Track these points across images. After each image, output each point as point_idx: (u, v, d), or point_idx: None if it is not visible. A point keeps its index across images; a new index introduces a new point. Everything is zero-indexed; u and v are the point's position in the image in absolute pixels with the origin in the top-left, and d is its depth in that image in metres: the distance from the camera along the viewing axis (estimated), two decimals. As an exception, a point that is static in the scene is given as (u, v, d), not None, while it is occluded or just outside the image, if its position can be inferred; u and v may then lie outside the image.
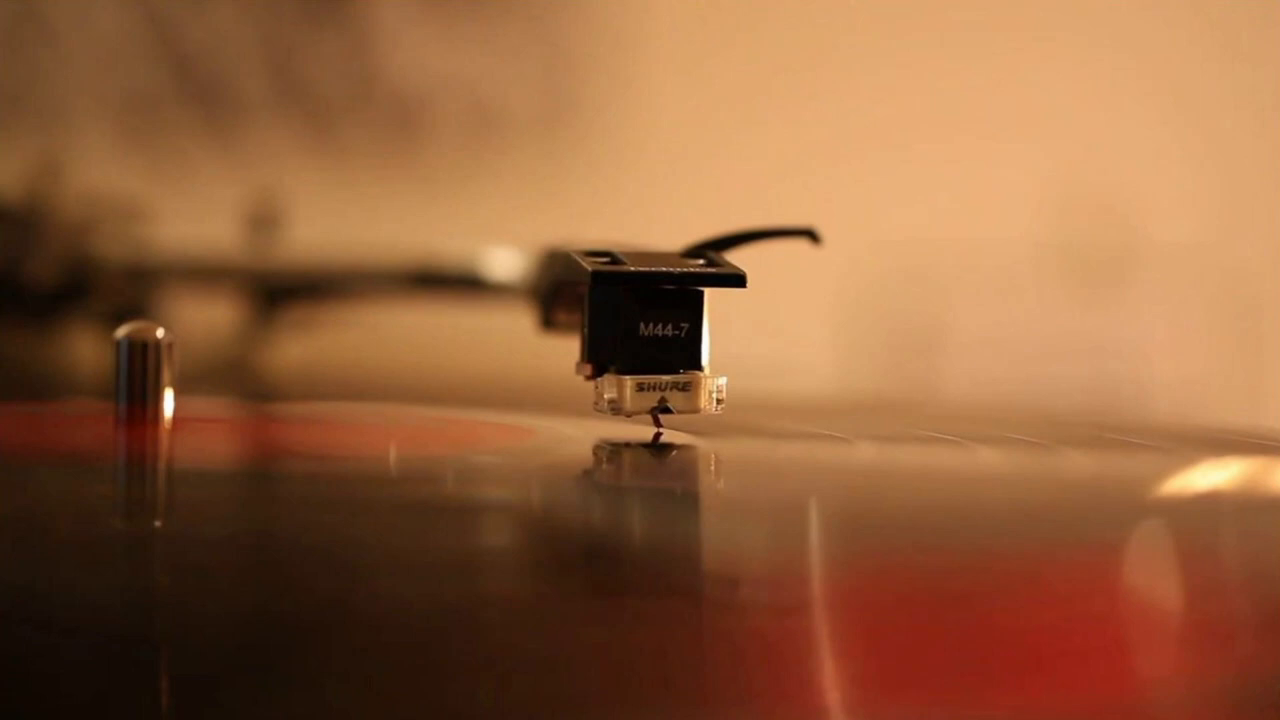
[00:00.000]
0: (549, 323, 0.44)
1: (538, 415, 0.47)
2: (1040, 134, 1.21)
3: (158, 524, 0.32)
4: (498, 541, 0.31)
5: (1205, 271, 1.19)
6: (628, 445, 0.39)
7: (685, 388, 0.38)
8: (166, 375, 0.38)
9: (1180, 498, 0.37)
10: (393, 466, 0.39)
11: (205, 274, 0.64)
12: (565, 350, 0.40)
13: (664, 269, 0.38)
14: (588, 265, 0.38)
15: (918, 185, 1.20)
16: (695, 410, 0.38)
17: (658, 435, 0.39)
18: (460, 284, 0.60)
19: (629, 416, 0.38)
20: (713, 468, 0.39)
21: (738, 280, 0.38)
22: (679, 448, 0.39)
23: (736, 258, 0.39)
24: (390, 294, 0.62)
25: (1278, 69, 1.23)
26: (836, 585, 0.28)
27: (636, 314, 0.38)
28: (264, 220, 0.64)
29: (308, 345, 0.64)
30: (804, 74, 1.21)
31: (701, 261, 0.39)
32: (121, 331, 0.38)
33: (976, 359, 1.17)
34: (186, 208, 0.78)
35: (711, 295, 0.38)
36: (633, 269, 0.38)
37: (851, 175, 1.18)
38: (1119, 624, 0.26)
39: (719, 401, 0.38)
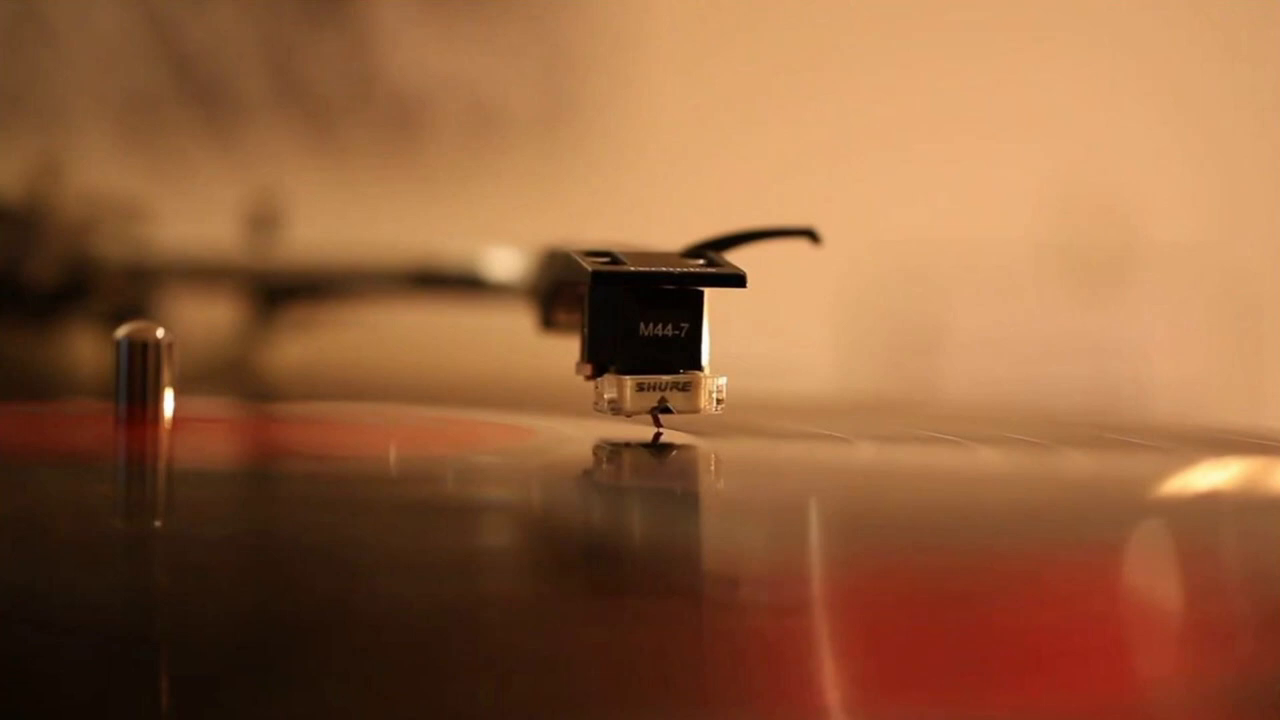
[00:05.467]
0: (549, 323, 0.44)
1: (538, 415, 0.47)
2: (1040, 134, 1.21)
3: (158, 524, 0.32)
4: (498, 541, 0.31)
5: (1205, 271, 1.19)
6: (628, 445, 0.39)
7: (685, 388, 0.38)
8: (166, 375, 0.38)
9: (1180, 498, 0.37)
10: (393, 466, 0.39)
11: (205, 274, 0.64)
12: (565, 350, 0.40)
13: (664, 269, 0.38)
14: (588, 265, 0.38)
15: (918, 185, 1.20)
16: (695, 410, 0.38)
17: (658, 435, 0.39)
18: (460, 284, 0.60)
19: (629, 416, 0.38)
20: (713, 468, 0.39)
21: (738, 280, 0.38)
22: (679, 448, 0.39)
23: (736, 258, 0.39)
24: (390, 294, 0.62)
25: (1278, 69, 1.23)
26: (836, 585, 0.28)
27: (636, 314, 0.38)
28: (264, 220, 0.64)
29: (308, 345, 0.64)
30: (804, 74, 1.21)
31: (701, 261, 0.39)
32: (121, 331, 0.38)
33: (976, 359, 1.17)
34: (186, 208, 0.78)
35: (711, 295, 0.38)
36: (633, 269, 0.38)
37: (851, 175, 1.18)
38: (1119, 624, 0.26)
39: (719, 401, 0.38)
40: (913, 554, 0.29)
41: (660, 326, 0.38)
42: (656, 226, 0.53)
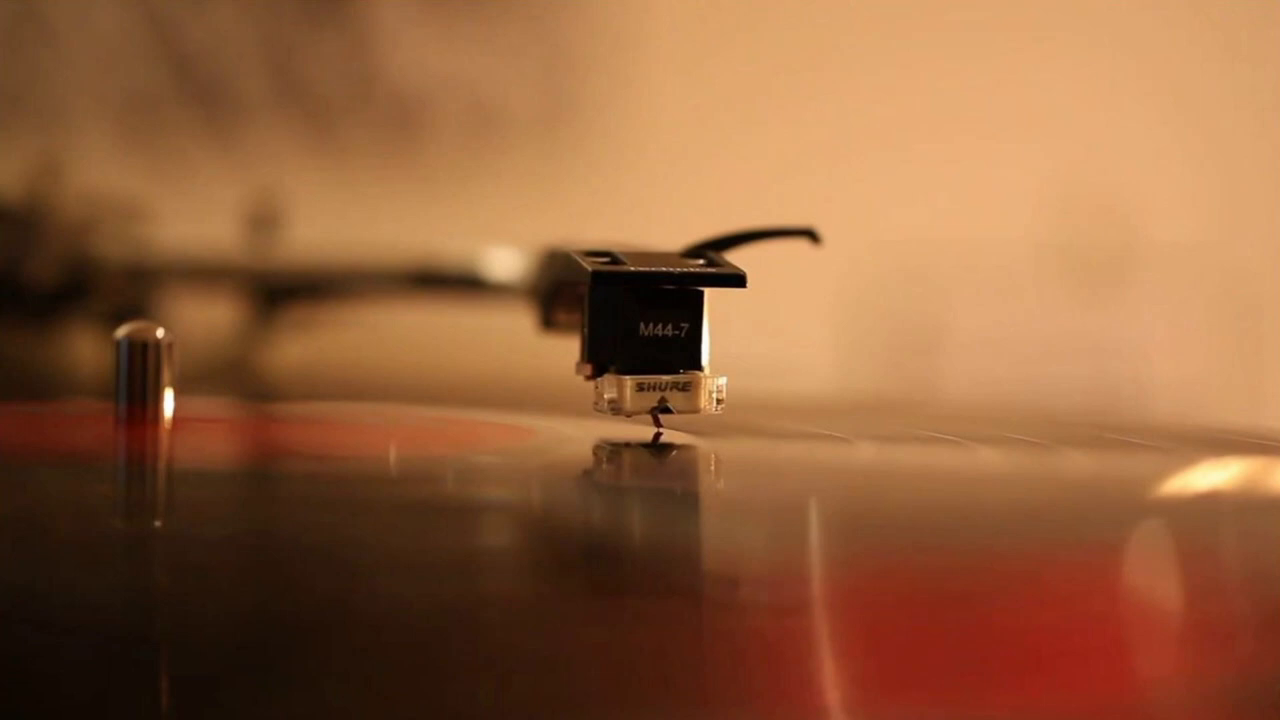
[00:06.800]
0: (549, 323, 0.44)
1: (538, 415, 0.47)
2: (1040, 134, 1.21)
3: (158, 524, 0.32)
4: (498, 541, 0.31)
5: (1205, 271, 1.19)
6: (628, 445, 0.39)
7: (685, 388, 0.38)
8: (166, 375, 0.38)
9: (1180, 498, 0.37)
10: (393, 466, 0.39)
11: (205, 274, 0.64)
12: (565, 350, 0.40)
13: (664, 269, 0.38)
14: (588, 265, 0.38)
15: (918, 185, 1.20)
16: (695, 410, 0.38)
17: (658, 435, 0.39)
18: (460, 284, 0.60)
19: (629, 416, 0.38)
20: (713, 468, 0.39)
21: (738, 280, 0.38)
22: (679, 448, 0.39)
23: (736, 258, 0.39)
24: (390, 294, 0.62)
25: (1278, 69, 1.23)
26: (836, 585, 0.28)
27: (636, 314, 0.38)
28: (264, 220, 0.64)
29: (308, 345, 0.64)
30: (804, 74, 1.21)
31: (701, 261, 0.39)
32: (121, 331, 0.38)
33: (976, 359, 1.17)
34: (186, 208, 0.78)
35: (711, 295, 0.38)
36: (633, 269, 0.38)
37: (851, 175, 1.18)
38: (1119, 624, 0.26)
39: (719, 401, 0.38)
40: (913, 554, 0.29)
41: (660, 326, 0.38)
42: (656, 226, 0.53)
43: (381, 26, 1.21)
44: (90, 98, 1.20)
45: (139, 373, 0.38)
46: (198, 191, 1.14)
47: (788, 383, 0.73)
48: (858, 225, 1.07)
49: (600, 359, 0.38)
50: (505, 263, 0.58)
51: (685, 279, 0.38)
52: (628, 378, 0.37)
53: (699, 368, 0.38)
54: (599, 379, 0.38)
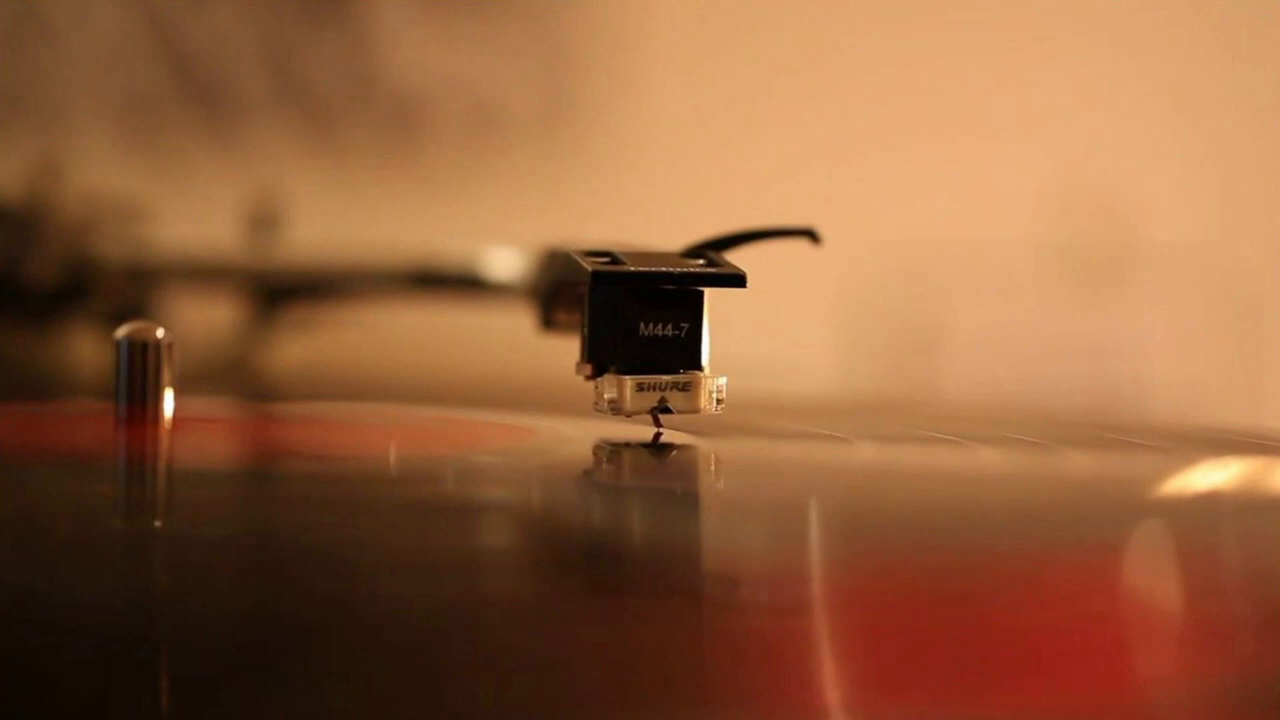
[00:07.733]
0: (549, 323, 0.44)
1: (538, 415, 0.47)
2: (1040, 134, 1.21)
3: (158, 524, 0.32)
4: (498, 541, 0.31)
5: (1205, 271, 1.19)
6: (628, 445, 0.39)
7: (685, 388, 0.38)
8: (166, 375, 0.38)
9: (1180, 498, 0.37)
10: (393, 466, 0.39)
11: (205, 274, 0.64)
12: (565, 350, 0.40)
13: (664, 269, 0.38)
14: (588, 265, 0.38)
15: (918, 185, 1.20)
16: (695, 410, 0.38)
17: (658, 435, 0.39)
18: (460, 284, 0.60)
19: (629, 416, 0.38)
20: (713, 468, 0.39)
21: (738, 280, 0.38)
22: (679, 448, 0.39)
23: (736, 258, 0.39)
24: (390, 294, 0.62)
25: (1278, 69, 1.23)
26: (836, 585, 0.28)
27: (636, 314, 0.38)
28: (264, 220, 0.64)
29: (308, 345, 0.64)
30: (804, 74, 1.21)
31: (701, 261, 0.39)
32: (121, 331, 0.38)
33: (976, 359, 1.17)
34: (186, 208, 0.78)
35: (711, 295, 0.38)
36: (633, 269, 0.38)
37: (851, 175, 1.18)
38: (1119, 624, 0.26)
39: (719, 401, 0.38)
40: (913, 554, 0.29)
41: (660, 326, 0.38)
42: (656, 226, 0.53)
43: (381, 26, 1.21)
44: (90, 98, 1.20)
45: (139, 373, 0.38)
46: (198, 191, 1.14)
47: (788, 383, 0.73)
48: (858, 225, 1.07)
49: (600, 359, 0.38)
50: (505, 263, 0.58)
51: (685, 279, 0.38)
52: (628, 378, 0.37)
53: (699, 368, 0.38)
54: (599, 379, 0.38)
